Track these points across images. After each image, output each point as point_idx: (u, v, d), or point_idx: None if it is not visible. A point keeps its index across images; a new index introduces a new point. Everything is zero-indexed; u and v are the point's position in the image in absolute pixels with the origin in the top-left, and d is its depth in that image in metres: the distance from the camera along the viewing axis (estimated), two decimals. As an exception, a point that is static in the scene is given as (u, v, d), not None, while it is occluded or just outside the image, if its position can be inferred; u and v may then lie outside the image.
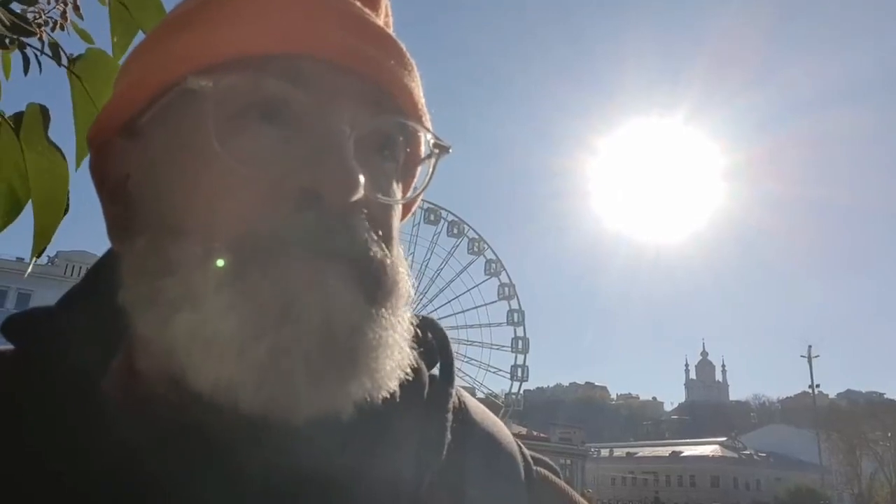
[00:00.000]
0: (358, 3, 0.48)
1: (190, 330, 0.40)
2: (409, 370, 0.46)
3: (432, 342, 0.56)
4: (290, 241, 0.40)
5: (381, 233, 0.45)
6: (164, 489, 0.40)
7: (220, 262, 0.41)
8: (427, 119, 0.51)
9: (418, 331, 0.53)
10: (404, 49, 0.49)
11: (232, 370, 0.39)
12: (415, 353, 0.51)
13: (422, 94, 0.51)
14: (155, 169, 0.47)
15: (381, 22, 0.50)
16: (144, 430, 0.41)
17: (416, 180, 0.52)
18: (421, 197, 0.55)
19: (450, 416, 0.50)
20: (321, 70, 0.45)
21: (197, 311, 0.40)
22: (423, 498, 0.45)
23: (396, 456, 0.46)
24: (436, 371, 0.55)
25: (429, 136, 0.50)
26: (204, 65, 0.45)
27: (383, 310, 0.43)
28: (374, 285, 0.43)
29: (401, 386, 0.47)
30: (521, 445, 0.57)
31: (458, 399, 0.54)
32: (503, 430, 0.56)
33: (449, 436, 0.49)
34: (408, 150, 0.50)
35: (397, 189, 0.49)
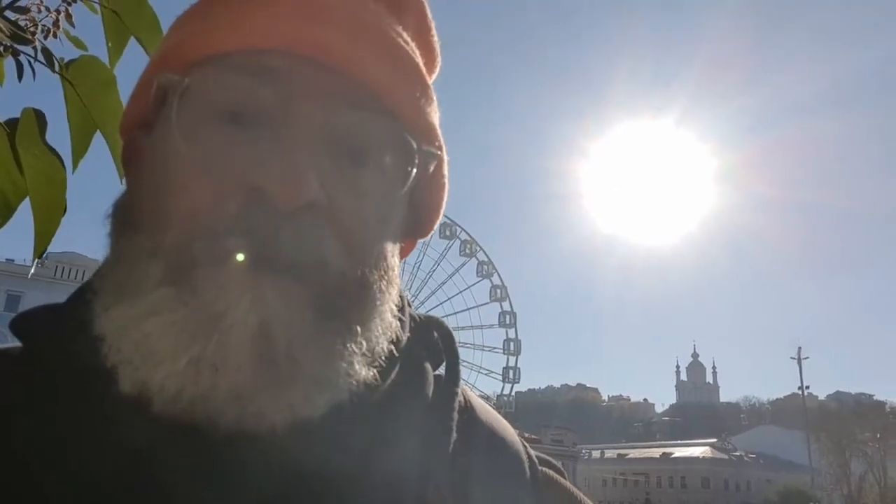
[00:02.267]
0: (369, 4, 0.47)
1: (120, 326, 0.40)
2: (413, 372, 0.46)
3: (437, 342, 0.55)
4: (231, 245, 0.39)
5: (349, 239, 0.43)
6: (160, 491, 0.40)
7: (162, 261, 0.40)
8: (424, 122, 0.49)
9: (423, 330, 0.53)
10: (406, 49, 0.48)
11: (154, 375, 0.38)
12: (420, 352, 0.51)
13: (422, 96, 0.49)
14: (141, 163, 0.48)
15: (394, 22, 0.49)
16: (142, 429, 0.41)
17: (407, 185, 0.49)
18: (439, 217, 0.54)
19: (455, 415, 0.50)
20: (295, 67, 0.44)
21: (129, 308, 0.40)
22: (428, 497, 0.45)
23: (402, 455, 0.46)
24: (441, 370, 0.55)
25: (412, 140, 0.47)
26: (182, 62, 0.45)
27: (337, 322, 0.42)
28: (327, 296, 0.41)
29: (407, 385, 0.47)
30: (527, 445, 0.57)
31: (464, 398, 0.54)
32: (509, 430, 0.56)
33: (455, 435, 0.49)
34: (393, 152, 0.47)
35: (383, 192, 0.47)
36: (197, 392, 0.38)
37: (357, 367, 0.43)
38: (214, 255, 0.39)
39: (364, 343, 0.43)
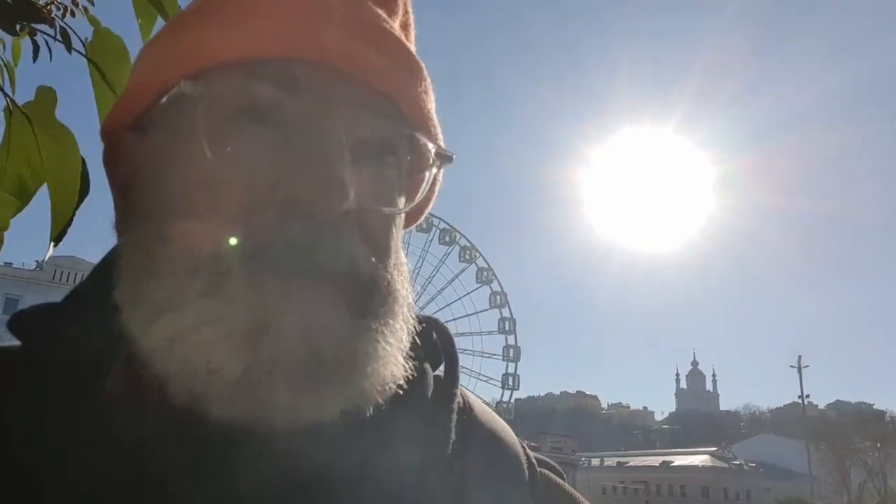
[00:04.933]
0: (370, 5, 0.48)
1: (168, 338, 0.40)
2: (412, 372, 0.46)
3: (437, 342, 0.56)
4: (271, 255, 0.40)
5: (376, 243, 0.45)
6: (159, 490, 0.40)
7: (203, 272, 0.40)
8: (434, 126, 0.50)
9: (423, 331, 0.52)
10: (413, 53, 0.49)
11: (206, 384, 0.39)
12: (420, 353, 0.51)
13: (429, 100, 0.50)
14: (155, 169, 0.47)
15: (395, 23, 0.49)
16: (143, 429, 0.41)
17: (421, 188, 0.51)
18: (429, 208, 0.55)
19: (454, 416, 0.50)
20: (317, 75, 0.44)
21: (175, 320, 0.40)
22: (426, 498, 0.45)
23: (400, 456, 0.46)
24: (440, 371, 0.55)
25: (430, 144, 0.49)
26: (198, 68, 0.45)
27: (372, 322, 0.43)
28: (361, 299, 0.42)
29: (406, 386, 0.47)
30: (525, 447, 0.57)
31: (463, 399, 0.54)
32: (507, 431, 0.56)
33: (453, 436, 0.49)
34: (409, 157, 0.49)
35: (399, 197, 0.48)
36: (255, 398, 0.39)
37: (396, 366, 0.44)
38: (256, 267, 0.40)
39: (395, 341, 0.44)
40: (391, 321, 0.44)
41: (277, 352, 0.39)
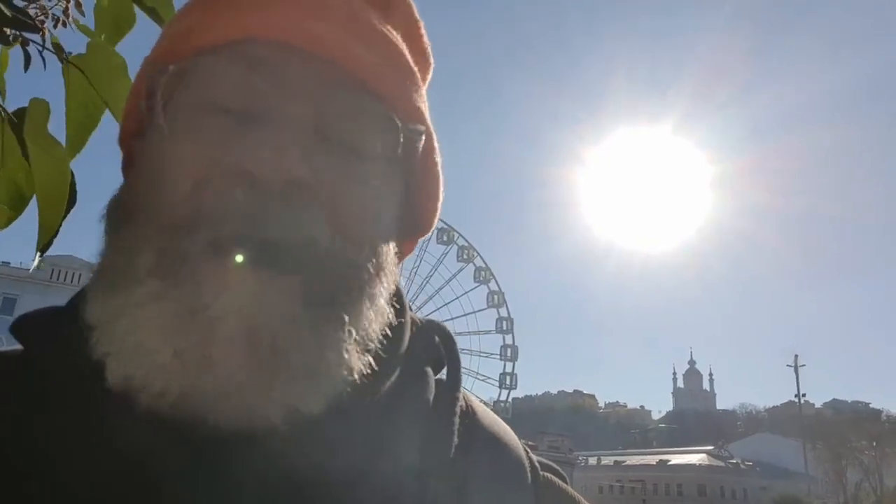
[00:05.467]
0: (358, 2, 0.48)
1: (106, 319, 0.40)
2: (413, 375, 0.46)
3: (439, 346, 0.55)
4: (216, 234, 0.39)
5: (346, 227, 0.43)
6: (156, 494, 0.39)
7: (148, 255, 0.40)
8: (412, 106, 0.49)
9: (424, 334, 0.53)
10: (393, 39, 0.48)
11: (140, 369, 0.38)
12: (421, 356, 0.51)
13: (409, 83, 0.49)
14: (134, 161, 0.49)
15: (388, 24, 0.49)
16: (138, 431, 0.40)
17: (398, 165, 0.49)
18: (437, 212, 0.55)
19: (457, 419, 0.50)
20: (284, 57, 0.44)
21: (115, 301, 0.40)
22: (427, 501, 0.45)
23: (402, 459, 0.45)
24: (443, 374, 0.54)
25: (398, 121, 0.47)
26: (171, 59, 0.46)
27: (327, 310, 0.41)
28: (317, 284, 0.41)
29: (408, 389, 0.47)
30: (528, 450, 0.56)
31: (466, 403, 0.54)
32: (510, 435, 0.55)
33: (456, 439, 0.48)
34: (380, 137, 0.47)
35: (374, 176, 0.47)
36: (182, 387, 0.38)
37: (349, 355, 0.42)
38: (199, 245, 0.39)
39: (354, 330, 0.42)
40: (351, 306, 0.43)
41: (211, 339, 0.37)
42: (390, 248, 0.49)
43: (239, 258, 0.38)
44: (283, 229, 0.40)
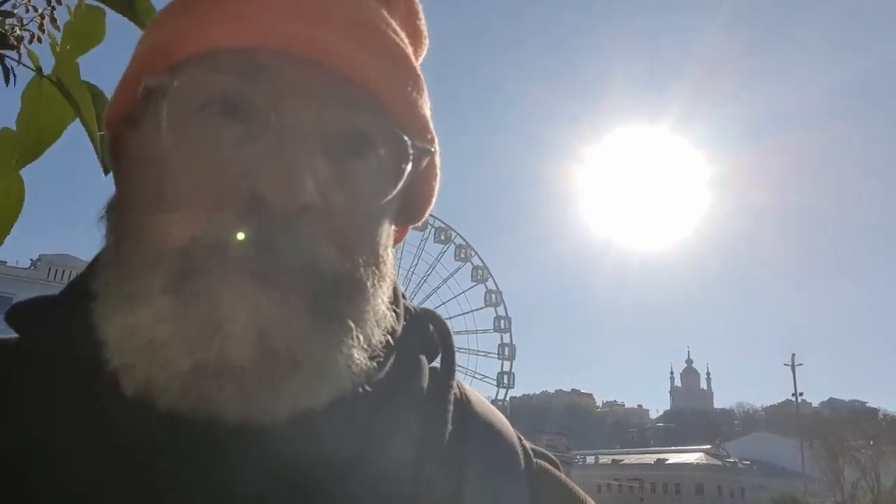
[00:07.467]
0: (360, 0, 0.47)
1: (124, 333, 0.41)
2: (407, 364, 0.47)
3: (433, 334, 0.56)
4: (230, 253, 0.40)
5: (344, 239, 0.44)
6: (158, 486, 0.40)
7: (163, 268, 0.41)
8: (417, 116, 0.49)
9: (419, 323, 0.53)
10: (400, 45, 0.48)
11: (159, 376, 0.39)
12: (415, 344, 0.52)
13: (414, 90, 0.49)
14: (133, 163, 0.48)
15: (394, 22, 0.49)
16: (141, 425, 0.40)
17: (401, 183, 0.48)
18: (430, 208, 0.55)
19: (451, 407, 0.50)
20: (286, 66, 0.43)
21: (133, 314, 0.40)
22: (422, 489, 0.45)
23: (396, 447, 0.46)
24: (437, 363, 0.55)
25: (405, 137, 0.47)
26: (170, 59, 0.45)
27: (334, 322, 0.43)
28: (322, 298, 0.42)
29: (402, 377, 0.48)
30: (522, 438, 0.57)
31: (460, 390, 0.54)
32: (504, 423, 0.56)
33: (450, 426, 0.49)
34: (390, 152, 0.47)
35: (380, 193, 0.47)
36: (202, 392, 0.39)
37: (356, 356, 0.44)
38: (213, 264, 0.40)
39: (360, 337, 0.44)
40: (356, 317, 0.44)
41: (228, 353, 0.39)
42: (388, 251, 0.49)
43: (251, 277, 0.40)
44: (294, 249, 0.41)
